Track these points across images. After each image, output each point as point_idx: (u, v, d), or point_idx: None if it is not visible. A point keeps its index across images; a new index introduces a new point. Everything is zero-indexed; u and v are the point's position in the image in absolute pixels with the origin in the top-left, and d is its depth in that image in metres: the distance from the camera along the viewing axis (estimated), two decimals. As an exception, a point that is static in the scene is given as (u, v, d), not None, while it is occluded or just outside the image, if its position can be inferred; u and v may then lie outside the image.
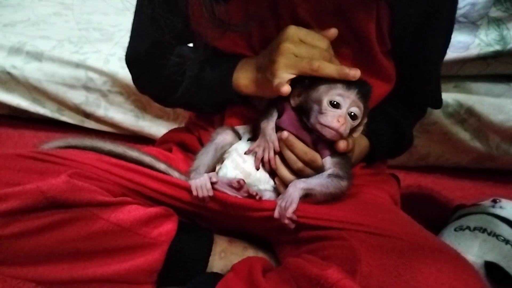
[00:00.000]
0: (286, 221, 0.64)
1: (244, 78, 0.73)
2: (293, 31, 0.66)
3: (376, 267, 0.55)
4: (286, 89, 0.63)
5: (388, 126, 0.83)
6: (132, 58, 0.84)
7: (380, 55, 0.74)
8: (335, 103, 0.63)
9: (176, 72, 0.76)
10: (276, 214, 0.65)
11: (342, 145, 0.65)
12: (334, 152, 0.67)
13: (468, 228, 0.86)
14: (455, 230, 0.88)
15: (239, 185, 0.67)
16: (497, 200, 0.95)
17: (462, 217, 0.92)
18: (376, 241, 0.59)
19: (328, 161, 0.67)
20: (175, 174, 0.73)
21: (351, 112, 0.64)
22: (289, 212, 0.63)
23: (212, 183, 0.68)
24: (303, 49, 0.65)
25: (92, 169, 0.69)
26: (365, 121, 0.69)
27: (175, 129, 0.99)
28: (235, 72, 0.74)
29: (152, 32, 0.69)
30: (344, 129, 0.63)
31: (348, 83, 0.64)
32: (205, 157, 0.72)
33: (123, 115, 1.41)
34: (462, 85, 1.22)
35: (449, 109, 1.22)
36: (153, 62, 0.78)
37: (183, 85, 0.78)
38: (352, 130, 0.67)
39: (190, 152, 0.84)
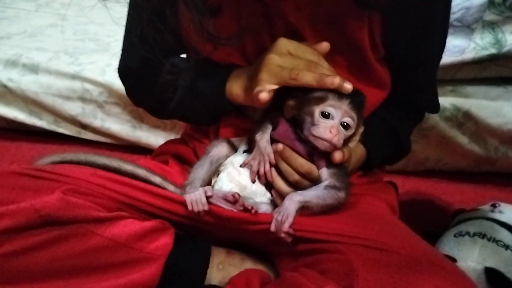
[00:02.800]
0: (283, 235, 0.63)
1: (236, 87, 0.72)
2: (283, 43, 0.66)
3: (373, 282, 0.55)
4: (264, 96, 0.62)
5: (384, 133, 0.82)
6: (124, 72, 0.84)
7: (374, 62, 0.73)
8: (326, 113, 0.63)
9: (169, 84, 0.75)
10: (272, 227, 0.64)
11: (337, 156, 0.65)
12: (330, 163, 0.66)
13: (468, 233, 0.86)
14: (454, 236, 0.88)
15: (234, 199, 0.66)
16: (496, 205, 0.95)
17: (461, 223, 0.92)
18: (373, 255, 0.58)
19: (325, 172, 0.66)
20: (171, 187, 0.72)
21: (344, 122, 0.64)
22: (286, 226, 0.62)
23: (207, 197, 0.68)
24: (288, 60, 0.65)
25: (86, 185, 0.68)
26: (361, 130, 0.68)
27: (171, 140, 0.98)
28: (228, 81, 0.73)
29: (143, 49, 0.69)
30: (337, 139, 0.62)
31: (340, 94, 0.63)
32: (200, 170, 0.72)
33: (120, 126, 1.42)
34: (459, 89, 1.23)
35: (446, 113, 1.23)
36: (145, 77, 0.78)
37: (176, 96, 0.77)
38: (347, 140, 0.66)
39: (186, 164, 0.84)
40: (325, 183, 0.65)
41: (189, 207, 0.68)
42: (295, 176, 0.67)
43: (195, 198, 0.67)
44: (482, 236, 0.84)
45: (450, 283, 0.53)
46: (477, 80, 1.22)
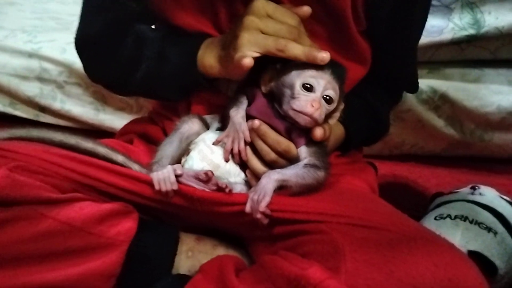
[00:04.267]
0: (259, 216, 0.59)
1: (209, 57, 0.68)
2: (260, 4, 0.62)
3: (363, 262, 0.51)
4: (248, 61, 0.59)
5: (364, 112, 0.80)
6: (82, 41, 0.78)
7: (356, 35, 0.71)
8: (308, 86, 0.60)
9: (133, 55, 0.71)
10: (247, 208, 0.61)
11: (318, 132, 0.62)
12: (310, 141, 0.64)
13: (449, 216, 0.85)
14: (435, 219, 0.87)
15: (207, 177, 0.63)
16: (476, 187, 0.95)
17: (441, 205, 0.91)
18: (360, 234, 0.55)
19: (304, 151, 0.64)
20: (135, 166, 0.68)
21: (326, 96, 0.61)
22: (262, 206, 0.59)
23: (177, 176, 0.64)
24: (269, 24, 0.61)
25: (38, 162, 0.63)
26: (341, 106, 0.66)
27: (137, 119, 0.94)
28: (200, 51, 0.69)
29: (105, 11, 0.66)
30: (319, 114, 0.60)
31: (321, 65, 0.61)
32: (168, 147, 0.68)
33: (82, 108, 1.37)
34: (436, 71, 1.23)
35: (423, 96, 1.22)
36: (106, 44, 0.74)
37: (141, 68, 0.73)
38: (328, 116, 0.64)
39: (154, 144, 0.80)
40: (305, 161, 0.63)
41: (156, 187, 0.64)
42: (272, 155, 0.64)
43: (163, 176, 0.64)
44: (464, 218, 0.83)
45: (449, 260, 0.50)
46: (455, 62, 1.22)
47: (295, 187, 0.62)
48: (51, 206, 0.60)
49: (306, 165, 0.62)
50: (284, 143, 0.64)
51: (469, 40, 1.14)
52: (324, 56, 0.58)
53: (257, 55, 0.60)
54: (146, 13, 0.72)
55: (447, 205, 0.90)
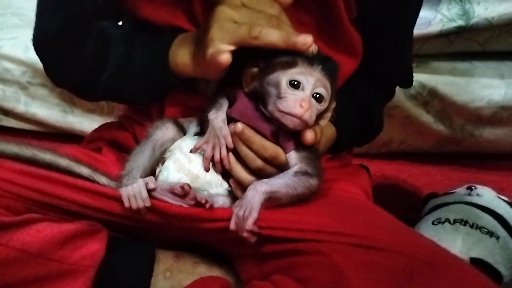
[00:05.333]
0: (245, 234, 0.55)
1: (182, 55, 0.63)
2: None
3: None
4: (225, 57, 0.53)
5: (355, 110, 0.76)
6: (40, 42, 0.73)
7: (347, 23, 0.67)
8: (295, 83, 0.56)
9: (97, 55, 0.66)
10: (232, 225, 0.56)
11: (309, 135, 0.57)
12: (300, 145, 0.60)
13: (448, 220, 0.82)
14: (433, 223, 0.84)
15: (184, 191, 0.58)
16: (473, 187, 0.92)
17: (438, 208, 0.88)
18: (367, 257, 0.49)
19: (293, 156, 0.60)
20: (102, 179, 0.63)
21: (316, 94, 0.57)
22: (249, 224, 0.54)
23: (149, 190, 0.60)
24: (244, 13, 0.56)
25: None
26: (333, 105, 0.62)
27: (106, 124, 0.88)
28: (171, 49, 0.64)
29: (63, 6, 0.64)
30: (309, 115, 0.55)
31: (310, 59, 0.57)
32: (140, 157, 0.63)
33: (48, 111, 1.32)
34: (424, 65, 1.20)
35: (411, 91, 1.20)
36: (66, 44, 0.69)
37: (106, 70, 0.68)
38: (319, 116, 0.60)
39: (125, 152, 0.74)
40: (295, 168, 0.59)
41: (126, 204, 0.59)
42: (258, 162, 0.60)
43: (133, 191, 0.59)
44: (464, 222, 0.80)
45: None
46: (443, 55, 1.20)
47: (285, 198, 0.58)
48: (2, 231, 0.55)
49: (296, 173, 0.58)
50: (271, 148, 0.59)
51: (458, 32, 1.12)
52: (306, 40, 0.52)
53: (232, 48, 0.54)
54: (109, 8, 0.67)
55: (444, 208, 0.87)
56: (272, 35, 0.53)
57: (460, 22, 1.10)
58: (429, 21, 1.11)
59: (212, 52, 0.54)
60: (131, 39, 0.67)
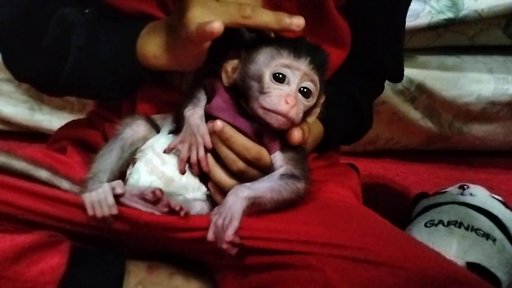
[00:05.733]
0: (225, 246, 0.50)
1: (152, 45, 0.59)
2: None
3: None
4: (217, 25, 0.48)
5: (344, 105, 0.73)
6: None
7: (334, 11, 0.65)
8: (280, 76, 0.53)
9: (57, 45, 0.62)
10: (210, 235, 0.52)
11: (296, 135, 0.54)
12: (286, 145, 0.57)
13: (441, 222, 0.79)
14: (425, 225, 0.81)
15: (155, 197, 0.54)
16: (465, 186, 0.90)
17: (430, 209, 0.85)
18: (364, 273, 0.45)
19: (279, 158, 0.57)
20: (64, 184, 0.58)
21: (303, 88, 0.54)
22: (229, 234, 0.50)
23: (117, 196, 0.56)
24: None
25: None
26: (322, 100, 0.59)
27: (72, 122, 0.83)
28: (139, 38, 0.60)
29: None
30: (295, 112, 0.52)
31: (296, 49, 0.54)
32: (107, 158, 0.59)
33: (14, 108, 1.29)
34: (412, 59, 1.19)
35: (399, 86, 1.19)
36: (24, 33, 0.66)
37: (68, 61, 0.63)
38: (306, 112, 0.57)
39: (93, 152, 0.69)
40: (280, 171, 0.56)
41: (90, 212, 0.55)
42: (239, 164, 0.57)
43: (98, 198, 0.55)
44: (459, 224, 0.77)
45: None
46: (430, 49, 1.18)
47: (269, 204, 0.54)
48: None
49: (282, 176, 0.55)
50: (253, 149, 0.56)
51: (447, 25, 1.10)
52: (300, 22, 0.50)
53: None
54: None
55: (437, 208, 0.84)
56: (265, 15, 0.51)
57: (449, 14, 1.08)
58: (417, 13, 1.08)
59: (198, 26, 0.49)
60: (95, 27, 0.62)
